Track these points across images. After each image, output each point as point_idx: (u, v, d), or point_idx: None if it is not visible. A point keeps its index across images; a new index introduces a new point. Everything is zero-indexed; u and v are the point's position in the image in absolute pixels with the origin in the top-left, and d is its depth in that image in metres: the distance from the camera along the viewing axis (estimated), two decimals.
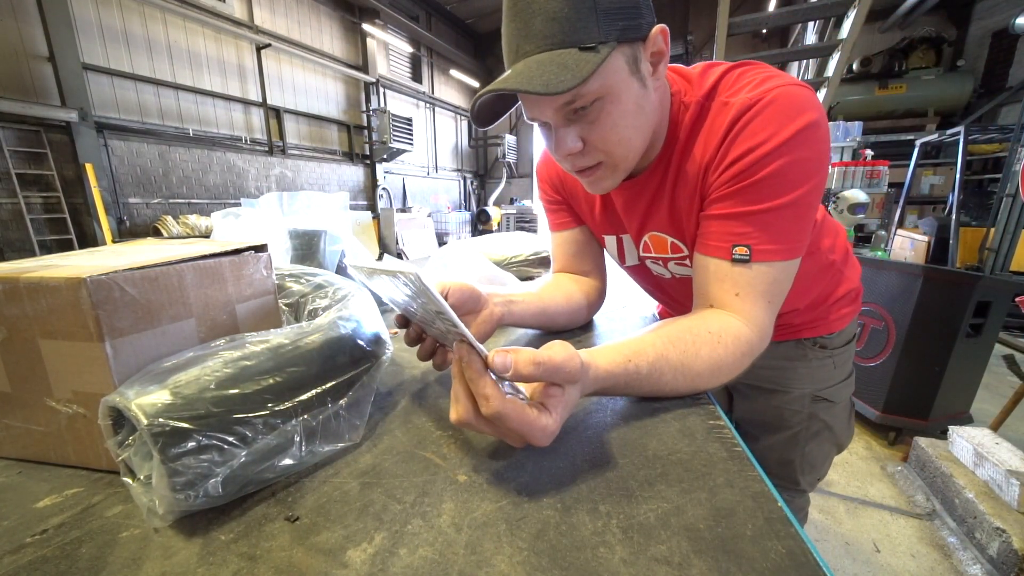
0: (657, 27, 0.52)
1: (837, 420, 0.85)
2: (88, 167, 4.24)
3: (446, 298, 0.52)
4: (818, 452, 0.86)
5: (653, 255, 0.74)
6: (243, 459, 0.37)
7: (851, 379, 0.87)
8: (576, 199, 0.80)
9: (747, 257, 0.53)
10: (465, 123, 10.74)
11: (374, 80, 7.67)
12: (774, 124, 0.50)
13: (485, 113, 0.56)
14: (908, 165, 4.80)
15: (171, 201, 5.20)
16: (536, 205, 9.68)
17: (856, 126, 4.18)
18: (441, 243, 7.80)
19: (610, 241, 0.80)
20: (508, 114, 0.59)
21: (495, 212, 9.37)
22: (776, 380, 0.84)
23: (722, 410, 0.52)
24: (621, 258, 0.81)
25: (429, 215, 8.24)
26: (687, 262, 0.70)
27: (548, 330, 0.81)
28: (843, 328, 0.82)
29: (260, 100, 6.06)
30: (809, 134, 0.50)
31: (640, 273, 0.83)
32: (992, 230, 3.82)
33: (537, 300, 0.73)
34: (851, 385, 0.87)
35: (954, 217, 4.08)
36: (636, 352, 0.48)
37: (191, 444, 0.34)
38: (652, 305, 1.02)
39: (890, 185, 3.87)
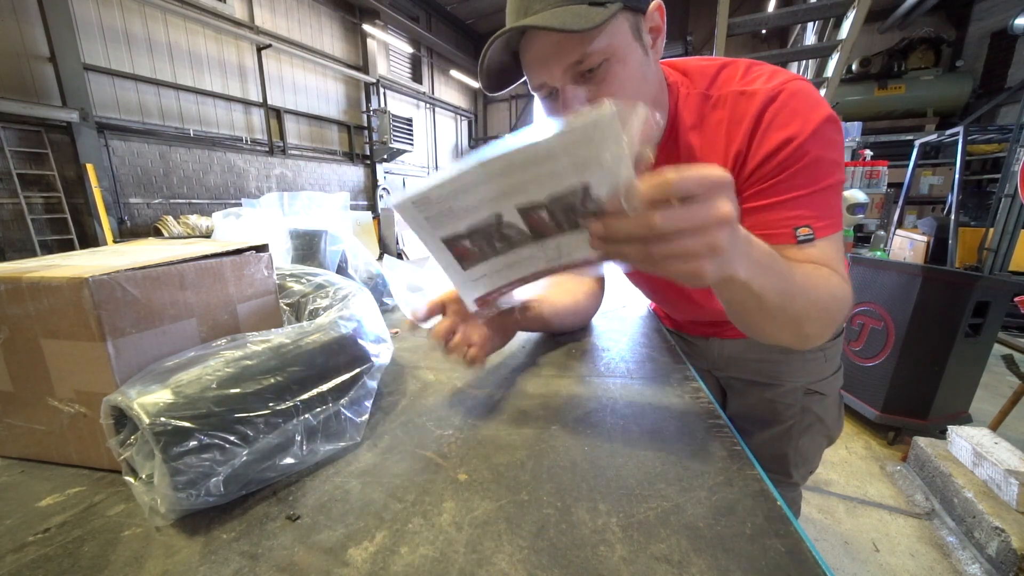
0: (655, 3, 0.55)
1: (828, 413, 0.87)
2: (89, 167, 4.24)
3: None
4: (811, 445, 0.88)
5: None
6: (244, 458, 0.37)
7: (840, 372, 0.89)
8: None
9: (811, 236, 0.55)
10: (465, 123, 10.72)
11: (374, 80, 7.66)
12: (802, 113, 0.54)
13: (495, 71, 0.57)
14: (907, 165, 4.80)
15: (172, 201, 5.20)
16: None
17: (855, 126, 4.17)
18: None
19: None
20: (509, 112, 0.60)
21: None
22: (770, 374, 0.85)
23: (719, 406, 0.52)
24: None
25: None
26: None
27: (555, 332, 0.81)
28: None
29: (260, 100, 6.06)
30: (832, 122, 0.55)
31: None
32: (991, 230, 3.82)
33: (548, 304, 0.73)
34: (840, 378, 0.89)
35: (953, 217, 4.07)
36: None
37: (193, 443, 0.35)
38: (646, 303, 1.03)
39: (889, 185, 3.86)
